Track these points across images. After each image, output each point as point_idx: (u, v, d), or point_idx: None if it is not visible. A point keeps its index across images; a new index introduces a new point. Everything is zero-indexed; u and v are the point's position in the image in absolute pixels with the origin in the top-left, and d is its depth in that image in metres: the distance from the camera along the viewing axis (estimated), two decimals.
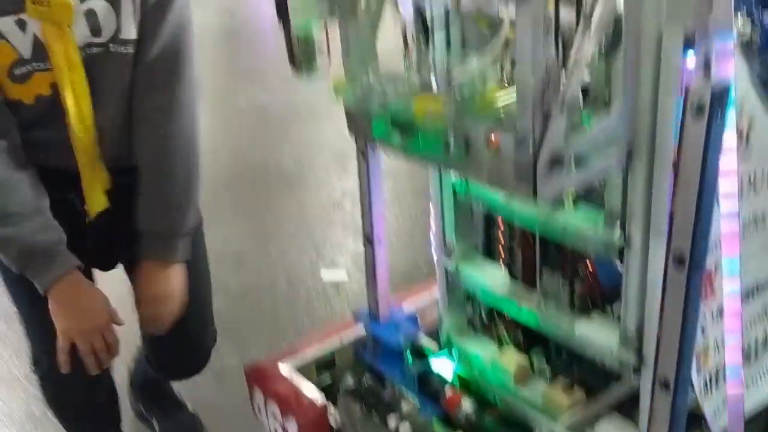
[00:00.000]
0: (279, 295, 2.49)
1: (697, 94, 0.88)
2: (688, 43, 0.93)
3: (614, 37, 0.96)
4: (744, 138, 1.11)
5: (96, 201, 1.48)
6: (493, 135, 0.95)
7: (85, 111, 1.40)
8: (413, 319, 1.64)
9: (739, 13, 1.11)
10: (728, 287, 1.12)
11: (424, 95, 1.00)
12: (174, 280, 1.51)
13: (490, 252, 1.49)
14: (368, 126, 1.14)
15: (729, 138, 1.00)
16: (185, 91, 1.48)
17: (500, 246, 1.44)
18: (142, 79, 1.45)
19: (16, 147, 1.39)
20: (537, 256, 1.32)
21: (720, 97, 0.87)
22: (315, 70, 1.22)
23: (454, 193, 1.44)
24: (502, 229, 1.42)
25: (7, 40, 1.31)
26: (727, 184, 1.04)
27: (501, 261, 1.45)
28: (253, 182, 3.45)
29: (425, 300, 1.74)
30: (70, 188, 1.47)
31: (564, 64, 0.92)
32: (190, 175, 1.51)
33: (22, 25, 1.31)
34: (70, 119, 1.39)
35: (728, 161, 1.02)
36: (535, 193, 0.94)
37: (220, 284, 2.55)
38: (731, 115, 0.99)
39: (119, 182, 1.51)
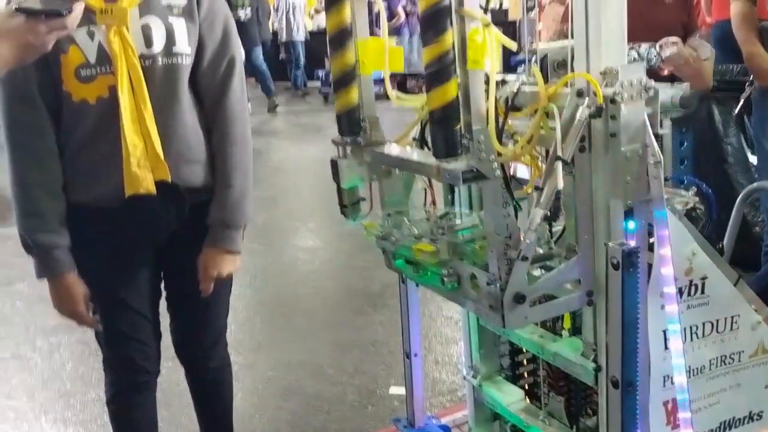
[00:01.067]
0: (347, 404, 2.76)
1: (612, 252, 1.16)
2: (628, 214, 1.21)
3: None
4: (700, 289, 1.34)
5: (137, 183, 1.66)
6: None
7: (143, 114, 1.63)
8: (446, 428, 1.88)
9: (686, 189, 1.36)
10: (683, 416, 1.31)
11: (422, 244, 1.31)
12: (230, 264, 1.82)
13: (515, 373, 1.72)
14: (392, 260, 1.47)
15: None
16: (235, 97, 1.76)
17: (521, 368, 1.69)
18: (196, 88, 1.75)
19: (51, 151, 1.67)
20: (540, 377, 1.56)
21: (629, 256, 1.14)
22: (358, 215, 1.58)
23: (478, 320, 1.71)
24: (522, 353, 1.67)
25: (78, 46, 1.61)
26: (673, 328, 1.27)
27: (522, 381, 1.69)
28: (343, 300, 3.81)
29: (460, 414, 1.98)
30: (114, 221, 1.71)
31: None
32: (245, 180, 1.78)
33: (91, 35, 1.61)
34: (123, 119, 1.61)
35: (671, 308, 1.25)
36: (503, 322, 1.22)
37: (296, 389, 2.87)
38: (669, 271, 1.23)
39: (188, 202, 1.74)
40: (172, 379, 2.44)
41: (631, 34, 1.36)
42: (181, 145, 1.71)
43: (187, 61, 1.69)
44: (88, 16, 1.57)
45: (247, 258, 4.04)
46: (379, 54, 1.45)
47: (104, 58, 1.61)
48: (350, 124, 1.49)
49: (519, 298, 1.21)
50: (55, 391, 3.02)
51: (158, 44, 1.65)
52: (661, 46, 1.72)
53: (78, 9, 1.25)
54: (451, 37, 1.12)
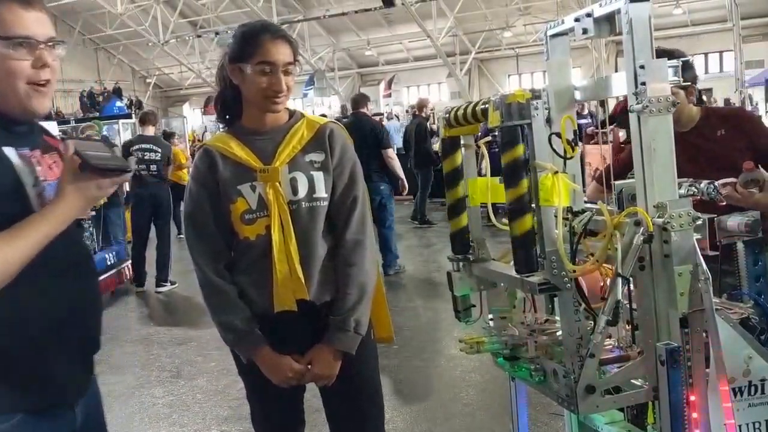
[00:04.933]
0: None
1: (659, 351, 1.41)
2: (684, 324, 1.46)
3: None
4: (760, 389, 1.53)
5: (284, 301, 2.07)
6: None
7: (289, 247, 2.04)
8: None
9: (748, 297, 1.56)
10: None
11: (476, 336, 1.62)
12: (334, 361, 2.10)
13: None
14: (495, 358, 1.78)
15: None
16: (354, 227, 2.12)
17: None
18: (329, 224, 2.12)
19: (227, 267, 2.12)
20: None
21: (672, 354, 1.38)
22: (470, 319, 1.91)
23: (578, 418, 1.95)
24: None
25: (244, 197, 2.07)
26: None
27: None
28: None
29: None
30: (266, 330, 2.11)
31: (593, 329, 1.49)
32: (360, 293, 2.10)
33: (253, 188, 2.07)
34: (274, 250, 2.03)
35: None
36: (577, 408, 1.49)
37: None
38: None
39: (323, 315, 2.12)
40: None
41: (694, 172, 1.64)
42: (318, 270, 2.10)
43: (323, 204, 2.12)
44: (251, 174, 2.07)
45: (395, 362, 4.42)
46: (485, 190, 1.83)
47: (262, 205, 2.08)
48: (462, 244, 1.86)
49: (590, 389, 1.48)
50: None
51: (302, 192, 2.09)
52: (723, 185, 1.93)
53: (132, 164, 1.67)
54: (527, 182, 1.47)
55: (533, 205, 1.52)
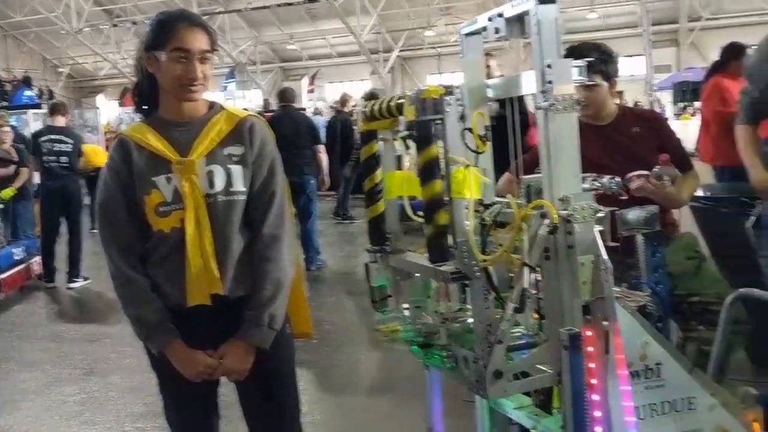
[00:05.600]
0: None
1: (562, 336, 1.49)
2: (586, 312, 1.54)
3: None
4: (656, 373, 1.63)
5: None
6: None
7: (204, 240, 2.02)
8: None
9: (646, 286, 1.67)
10: None
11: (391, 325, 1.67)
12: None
13: None
14: (410, 346, 1.83)
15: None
16: (272, 222, 2.10)
17: None
18: (246, 218, 2.13)
19: (140, 260, 2.08)
20: None
21: (574, 339, 1.46)
22: (386, 309, 1.95)
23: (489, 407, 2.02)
24: None
25: (159, 189, 2.04)
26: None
27: None
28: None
29: None
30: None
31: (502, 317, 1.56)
32: (276, 289, 2.08)
33: (169, 180, 2.04)
34: (188, 244, 2.00)
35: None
36: (486, 393, 1.55)
37: None
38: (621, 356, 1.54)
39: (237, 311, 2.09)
40: None
41: (604, 171, 1.74)
42: (234, 264, 2.09)
43: (241, 198, 2.10)
44: (167, 166, 2.06)
45: (313, 356, 4.44)
46: (401, 183, 1.87)
47: (178, 197, 2.06)
48: (379, 235, 1.90)
49: (498, 374, 1.55)
50: None
51: (219, 185, 2.08)
52: (629, 180, 2.06)
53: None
54: (440, 180, 1.53)
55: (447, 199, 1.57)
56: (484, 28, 1.80)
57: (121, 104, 24.27)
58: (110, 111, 24.33)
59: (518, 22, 1.70)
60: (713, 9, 23.27)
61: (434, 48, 26.72)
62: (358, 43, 24.43)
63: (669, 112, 17.67)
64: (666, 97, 19.51)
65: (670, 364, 1.65)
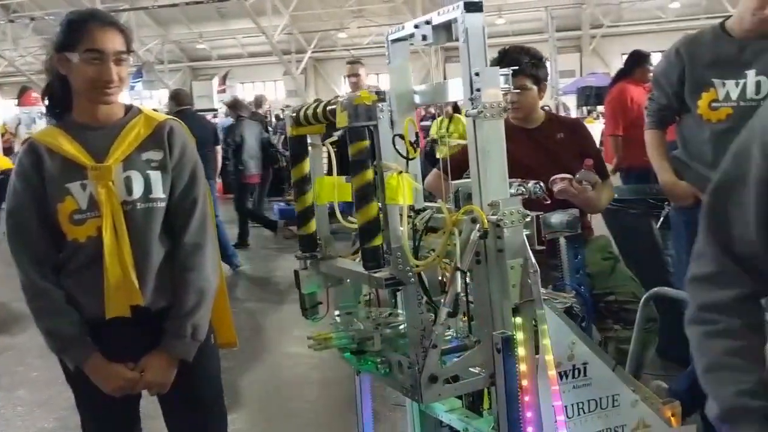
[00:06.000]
0: None
1: (496, 339, 1.52)
2: (516, 311, 1.58)
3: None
4: (582, 372, 1.69)
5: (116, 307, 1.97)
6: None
7: (123, 250, 1.93)
8: None
9: (570, 288, 1.72)
10: None
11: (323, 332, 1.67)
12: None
13: None
14: (342, 353, 1.82)
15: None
16: (193, 230, 2.05)
17: None
18: (167, 226, 2.06)
19: (54, 270, 1.99)
20: None
21: (507, 342, 1.49)
22: (317, 316, 1.93)
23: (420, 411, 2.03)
24: None
25: (73, 196, 1.95)
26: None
27: None
28: (327, 402, 4.08)
29: None
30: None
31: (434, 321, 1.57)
32: (198, 298, 2.03)
33: (83, 186, 1.95)
34: (105, 253, 1.91)
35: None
36: (421, 398, 1.56)
37: None
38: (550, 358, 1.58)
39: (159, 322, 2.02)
40: None
41: (528, 177, 1.78)
42: (154, 274, 2.02)
43: (161, 204, 2.03)
44: (82, 172, 1.96)
45: (234, 363, 4.36)
46: (332, 188, 1.86)
47: (93, 205, 1.96)
48: (309, 242, 1.88)
49: (433, 379, 1.56)
50: None
51: (137, 192, 2.00)
52: (553, 182, 2.14)
53: None
54: (372, 171, 1.52)
55: (380, 204, 1.57)
56: (411, 35, 1.81)
57: (19, 104, 23.11)
58: (7, 111, 23.14)
59: (445, 29, 1.72)
60: (613, 17, 24.33)
61: (348, 50, 26.74)
62: (270, 43, 24.16)
63: (573, 115, 18.35)
64: (570, 102, 20.25)
65: (596, 363, 1.71)
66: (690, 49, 2.82)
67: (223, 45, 29.21)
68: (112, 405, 2.06)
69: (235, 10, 23.61)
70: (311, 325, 1.98)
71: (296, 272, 1.91)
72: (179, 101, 7.35)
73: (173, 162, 2.07)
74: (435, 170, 2.45)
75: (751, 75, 2.67)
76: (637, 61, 5.94)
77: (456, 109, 8.43)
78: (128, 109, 2.11)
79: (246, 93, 25.11)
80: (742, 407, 1.22)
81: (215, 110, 18.57)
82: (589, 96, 19.23)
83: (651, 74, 5.84)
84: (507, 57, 2.71)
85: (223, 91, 22.54)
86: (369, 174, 1.54)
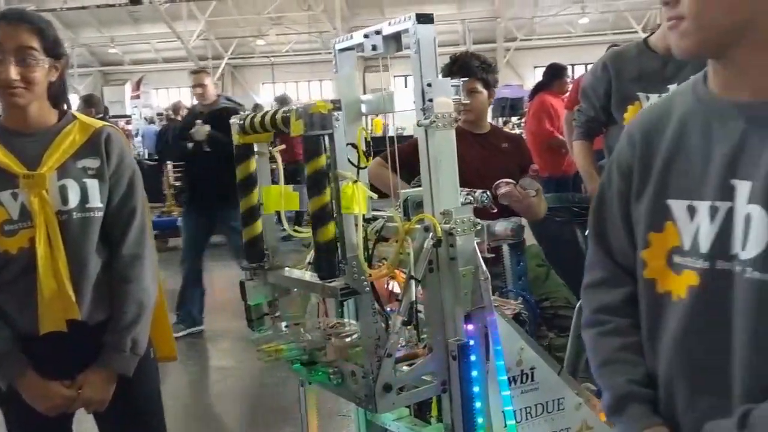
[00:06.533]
0: None
1: (452, 347, 1.53)
2: (468, 318, 1.60)
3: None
4: (530, 377, 1.72)
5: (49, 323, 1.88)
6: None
7: (58, 261, 1.85)
8: None
9: (514, 295, 1.76)
10: None
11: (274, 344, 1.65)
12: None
13: None
14: (291, 365, 1.79)
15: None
16: (131, 241, 1.99)
17: None
18: (104, 236, 1.99)
19: None
20: None
21: (463, 349, 1.51)
22: (263, 327, 1.90)
23: (366, 415, 2.03)
24: None
25: (4, 206, 1.86)
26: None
27: None
28: (256, 416, 4.01)
29: None
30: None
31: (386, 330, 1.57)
32: (138, 310, 1.98)
33: (15, 196, 1.87)
34: (39, 265, 1.83)
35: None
36: (376, 407, 1.55)
37: None
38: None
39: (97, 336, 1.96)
40: None
41: (477, 180, 1.81)
42: (92, 287, 1.95)
43: (98, 214, 1.96)
44: (13, 181, 1.88)
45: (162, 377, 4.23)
46: (278, 198, 1.83)
47: (26, 215, 1.88)
48: (255, 252, 1.85)
49: (387, 388, 1.56)
50: None
51: (73, 201, 1.92)
52: (497, 186, 2.19)
53: None
54: (330, 191, 1.51)
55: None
56: (360, 45, 1.82)
57: None
58: None
59: (395, 40, 1.73)
60: (526, 31, 25.06)
61: (267, 57, 26.50)
62: (186, 49, 23.67)
63: None
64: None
65: (542, 367, 1.75)
66: (616, 64, 2.94)
67: (136, 50, 28.38)
68: (45, 424, 1.97)
69: (149, 15, 23.02)
70: (258, 336, 1.94)
71: (242, 283, 1.88)
72: (88, 106, 7.10)
73: (111, 170, 2.01)
74: (378, 158, 2.46)
75: (673, 89, 2.80)
76: (555, 73, 6.16)
77: None
78: (62, 114, 2.02)
79: (161, 99, 24.49)
80: (632, 393, 1.31)
81: (128, 117, 18.02)
82: (505, 107, 19.71)
83: (568, 86, 6.08)
84: (458, 63, 2.81)
85: (137, 96, 21.90)
86: (326, 196, 1.53)
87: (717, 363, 1.17)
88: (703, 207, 1.17)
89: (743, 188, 1.12)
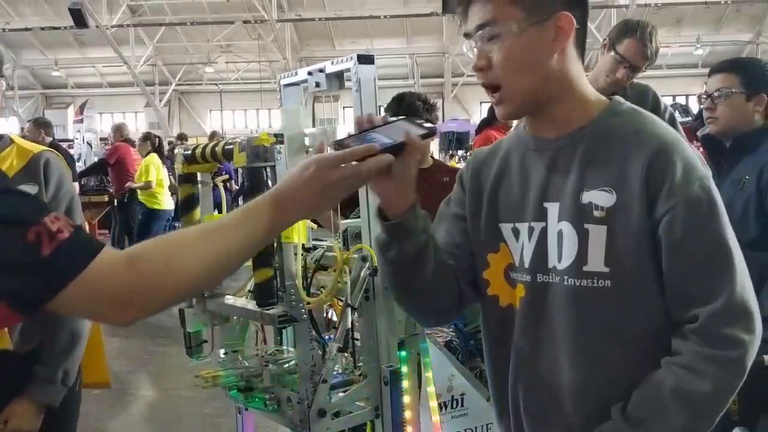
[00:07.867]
0: None
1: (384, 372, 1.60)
2: (401, 345, 1.66)
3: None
4: (460, 402, 1.80)
5: None
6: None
7: None
8: None
9: (450, 326, 1.84)
10: None
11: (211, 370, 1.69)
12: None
13: None
14: (228, 391, 1.82)
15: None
16: None
17: None
18: None
19: None
20: None
21: (393, 374, 1.58)
22: (201, 355, 1.93)
23: None
24: None
25: None
26: None
27: None
28: None
29: None
30: None
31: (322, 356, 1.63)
32: (70, 342, 1.96)
33: None
34: None
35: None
36: None
37: None
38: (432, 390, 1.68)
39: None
40: None
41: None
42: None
43: None
44: None
45: (95, 406, 4.15)
46: None
47: None
48: None
49: (322, 413, 1.61)
50: None
51: None
52: None
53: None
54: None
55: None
56: (304, 81, 1.89)
57: None
58: None
59: (337, 78, 1.82)
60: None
61: (215, 84, 26.39)
62: (132, 74, 23.41)
63: (436, 156, 19.02)
64: (433, 145, 21.00)
65: (472, 394, 1.82)
66: None
67: (80, 73, 27.89)
68: None
69: (95, 39, 22.72)
70: (198, 363, 1.96)
71: (181, 311, 1.90)
72: (47, 131, 6.95)
73: (49, 196, 1.99)
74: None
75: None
76: None
77: None
78: None
79: (104, 124, 24.11)
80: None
81: (71, 141, 17.66)
82: (451, 141, 20.05)
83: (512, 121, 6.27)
84: (402, 101, 2.92)
85: (81, 120, 21.51)
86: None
87: (546, 363, 1.29)
88: (523, 228, 1.34)
89: (553, 209, 1.29)
